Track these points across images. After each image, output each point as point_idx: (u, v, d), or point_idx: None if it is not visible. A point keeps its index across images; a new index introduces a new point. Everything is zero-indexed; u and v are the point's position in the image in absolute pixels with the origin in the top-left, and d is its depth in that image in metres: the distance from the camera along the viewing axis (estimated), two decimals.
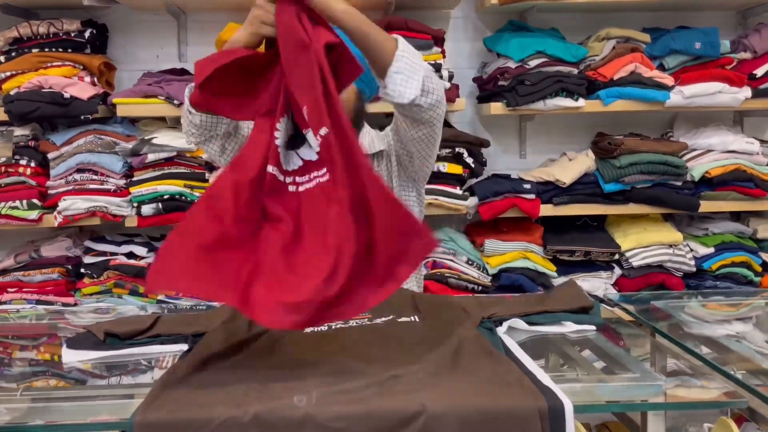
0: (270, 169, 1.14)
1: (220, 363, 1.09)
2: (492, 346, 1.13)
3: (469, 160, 2.44)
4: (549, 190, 2.48)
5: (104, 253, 2.41)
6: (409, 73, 1.33)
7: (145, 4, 2.48)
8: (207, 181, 2.37)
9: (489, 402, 0.92)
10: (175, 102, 2.29)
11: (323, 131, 1.09)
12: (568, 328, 1.29)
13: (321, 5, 1.21)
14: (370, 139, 1.65)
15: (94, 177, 2.33)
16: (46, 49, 2.35)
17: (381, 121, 2.61)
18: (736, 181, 2.48)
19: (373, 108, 2.38)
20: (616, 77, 2.43)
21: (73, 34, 2.36)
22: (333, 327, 1.26)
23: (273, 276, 1.07)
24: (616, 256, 2.50)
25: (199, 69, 1.19)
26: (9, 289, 2.38)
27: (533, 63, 2.42)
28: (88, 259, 2.41)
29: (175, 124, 2.44)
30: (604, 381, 1.14)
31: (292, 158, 1.18)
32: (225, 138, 1.49)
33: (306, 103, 1.13)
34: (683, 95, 2.44)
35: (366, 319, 1.29)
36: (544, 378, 1.00)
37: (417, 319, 1.29)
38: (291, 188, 1.16)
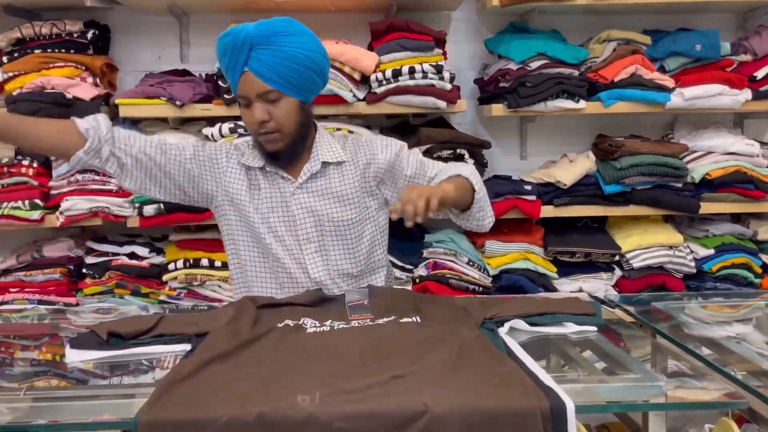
0: None
1: (223, 363, 1.09)
2: (494, 347, 1.13)
3: (470, 161, 2.44)
4: (550, 192, 2.48)
5: (106, 254, 2.42)
6: (484, 205, 1.56)
7: (148, 5, 2.49)
8: None
9: (491, 402, 0.93)
10: (177, 103, 2.30)
11: None
12: (569, 329, 1.30)
13: (446, 201, 1.36)
14: (328, 147, 1.61)
15: (96, 177, 2.34)
16: (49, 50, 2.35)
17: (381, 122, 2.62)
18: (737, 182, 2.49)
19: (373, 109, 2.38)
20: (616, 79, 2.44)
21: (75, 35, 2.37)
22: (335, 327, 1.26)
23: None
24: (617, 258, 2.50)
25: None
26: (11, 289, 2.38)
27: (534, 65, 2.43)
28: (89, 260, 2.41)
29: (177, 125, 2.45)
30: (605, 381, 1.15)
31: None
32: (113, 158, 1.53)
33: None
34: (684, 97, 2.44)
35: (368, 320, 1.29)
36: (546, 378, 1.01)
37: (418, 320, 1.30)
38: None
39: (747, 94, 2.48)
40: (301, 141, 1.57)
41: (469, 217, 1.53)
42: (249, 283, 1.62)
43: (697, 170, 2.50)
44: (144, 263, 2.40)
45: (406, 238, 2.41)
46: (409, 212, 1.26)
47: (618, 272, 2.51)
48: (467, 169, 1.53)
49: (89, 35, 2.38)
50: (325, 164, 1.59)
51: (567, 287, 2.47)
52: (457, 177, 1.50)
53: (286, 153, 1.55)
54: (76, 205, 2.31)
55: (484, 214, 1.55)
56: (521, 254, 2.46)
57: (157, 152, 1.56)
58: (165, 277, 2.37)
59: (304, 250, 1.57)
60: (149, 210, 2.32)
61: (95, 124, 1.50)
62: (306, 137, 1.58)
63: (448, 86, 2.37)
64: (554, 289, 2.45)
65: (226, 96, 2.33)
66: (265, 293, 1.61)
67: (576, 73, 2.47)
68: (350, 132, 2.33)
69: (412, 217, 1.26)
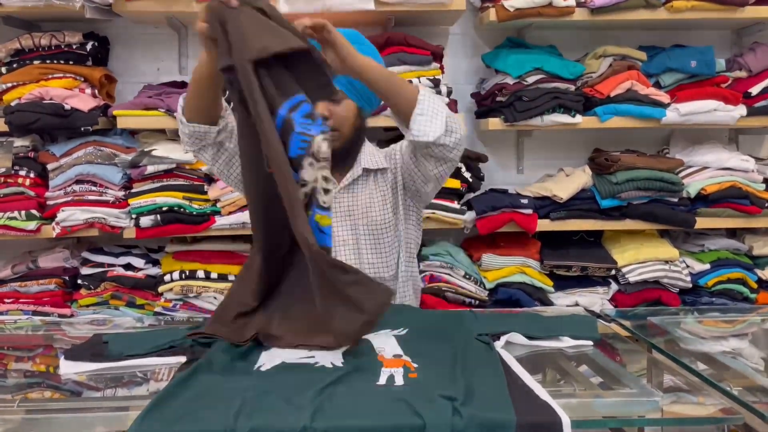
0: None
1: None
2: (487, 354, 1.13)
3: (467, 175, 2.45)
4: (546, 206, 2.49)
5: (102, 265, 2.41)
6: (431, 115, 1.39)
7: (147, 17, 2.50)
8: (206, 193, 2.37)
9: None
10: (175, 115, 2.30)
11: None
12: (566, 343, 1.30)
13: (345, 57, 1.29)
14: (370, 155, 1.66)
15: (93, 188, 2.34)
16: (48, 61, 2.36)
17: (379, 135, 2.63)
18: (732, 198, 2.50)
19: (371, 122, 2.39)
20: (612, 94, 2.46)
21: (74, 47, 2.38)
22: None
23: None
24: (613, 272, 2.50)
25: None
26: (6, 300, 2.37)
27: (531, 79, 2.44)
28: (85, 271, 2.40)
29: (174, 136, 2.45)
30: (601, 396, 1.15)
31: None
32: (217, 147, 1.54)
33: None
34: (679, 113, 2.46)
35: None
36: (542, 393, 1.01)
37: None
38: None
39: (742, 110, 2.50)
40: (353, 146, 1.62)
41: (413, 123, 1.39)
42: None
43: (693, 185, 2.51)
44: (140, 274, 2.39)
45: None
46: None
47: (614, 286, 2.51)
48: (424, 88, 1.46)
49: (88, 47, 2.39)
50: (366, 171, 1.64)
51: (563, 301, 2.47)
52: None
53: (338, 155, 1.57)
54: (72, 215, 2.30)
55: (426, 120, 1.39)
56: (517, 268, 2.47)
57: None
58: (161, 289, 2.36)
59: (339, 253, 1.60)
60: (146, 221, 2.32)
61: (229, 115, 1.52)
62: (357, 144, 1.64)
63: (446, 100, 2.39)
64: (550, 303, 2.45)
65: None
66: None
67: (572, 88, 2.49)
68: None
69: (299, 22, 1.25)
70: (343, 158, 1.61)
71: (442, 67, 2.45)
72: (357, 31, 1.57)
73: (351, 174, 1.63)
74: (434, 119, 1.39)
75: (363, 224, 1.61)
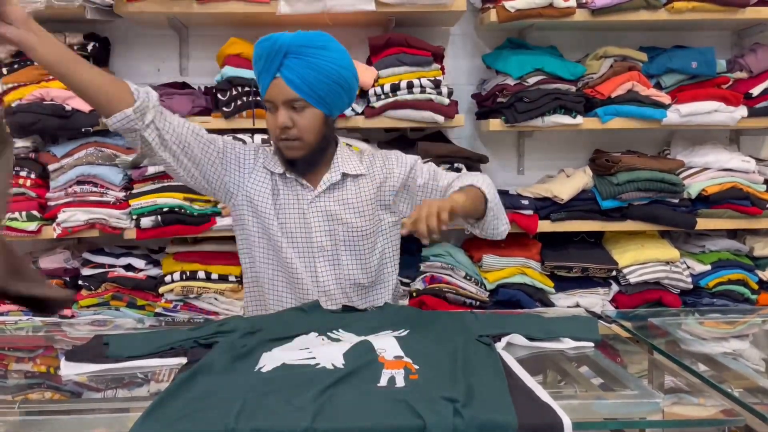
0: None
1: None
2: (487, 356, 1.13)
3: None
4: (547, 207, 2.49)
5: (102, 265, 2.41)
6: (501, 215, 1.58)
7: (148, 18, 2.50)
8: None
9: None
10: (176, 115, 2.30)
11: None
12: (566, 344, 1.30)
13: (457, 211, 1.38)
14: (347, 158, 1.65)
15: (94, 189, 2.34)
16: None
17: (379, 135, 2.63)
18: (733, 199, 2.50)
19: (371, 123, 2.40)
20: (613, 95, 2.46)
21: (75, 47, 2.38)
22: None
23: None
24: (614, 273, 2.50)
25: None
26: (6, 300, 2.37)
27: (532, 80, 2.44)
28: (86, 271, 2.40)
29: None
30: (602, 398, 1.15)
31: None
32: (158, 135, 1.51)
33: None
34: (680, 114, 2.46)
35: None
36: (543, 394, 1.01)
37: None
38: None
39: (742, 111, 2.50)
40: (320, 152, 1.60)
41: (484, 226, 1.55)
42: (261, 285, 1.64)
43: (694, 186, 2.51)
44: (140, 275, 2.40)
45: (403, 252, 2.41)
46: (422, 230, 1.30)
47: (615, 287, 2.51)
48: (480, 178, 1.55)
49: (89, 47, 2.39)
50: (344, 176, 1.63)
51: (564, 302, 2.47)
52: (468, 187, 1.52)
53: (303, 162, 1.58)
54: (73, 216, 2.30)
55: (498, 222, 1.56)
56: (518, 269, 2.46)
57: (190, 135, 1.56)
58: (161, 290, 2.37)
59: (317, 259, 1.59)
60: (146, 222, 2.32)
61: (146, 90, 1.49)
62: (326, 150, 1.61)
63: (446, 101, 2.39)
64: (551, 304, 2.45)
65: (224, 109, 2.34)
66: (277, 297, 1.62)
67: (573, 88, 2.49)
68: (348, 146, 2.35)
69: (426, 236, 1.31)
70: (310, 165, 1.59)
71: (442, 68, 2.45)
72: (327, 34, 1.54)
73: (328, 178, 1.61)
74: (501, 215, 1.58)
75: (342, 230, 1.59)
